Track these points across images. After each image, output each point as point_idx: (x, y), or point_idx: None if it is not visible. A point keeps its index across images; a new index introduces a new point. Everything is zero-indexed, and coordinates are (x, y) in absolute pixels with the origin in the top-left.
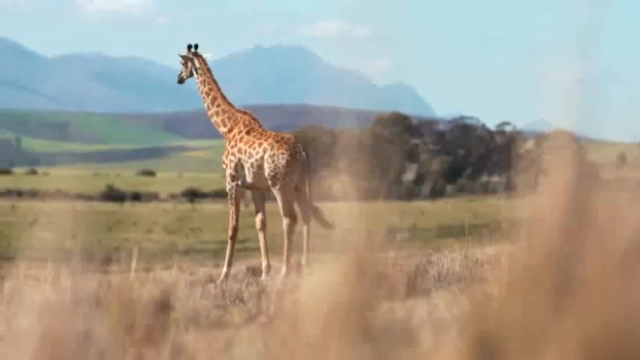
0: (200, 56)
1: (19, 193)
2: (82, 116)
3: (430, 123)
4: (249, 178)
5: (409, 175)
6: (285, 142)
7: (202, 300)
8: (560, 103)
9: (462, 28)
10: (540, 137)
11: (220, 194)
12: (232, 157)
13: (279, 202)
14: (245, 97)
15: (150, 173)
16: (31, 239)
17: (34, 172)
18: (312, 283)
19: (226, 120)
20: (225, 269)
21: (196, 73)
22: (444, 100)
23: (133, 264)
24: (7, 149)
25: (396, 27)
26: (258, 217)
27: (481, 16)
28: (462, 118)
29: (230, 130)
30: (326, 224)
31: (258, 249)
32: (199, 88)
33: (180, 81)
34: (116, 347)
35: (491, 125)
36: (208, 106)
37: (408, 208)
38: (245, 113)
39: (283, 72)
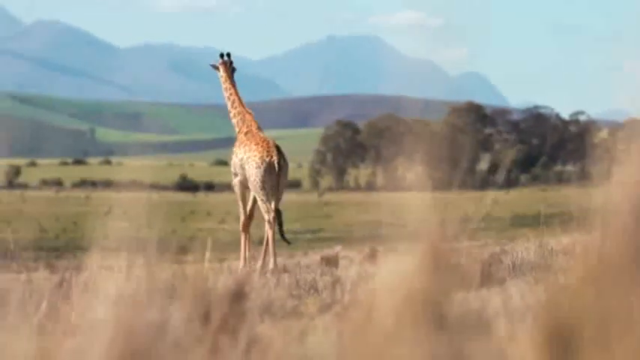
0: (224, 63)
1: (94, 184)
2: (155, 107)
3: (504, 112)
4: (243, 177)
5: (483, 165)
6: (261, 146)
7: (277, 290)
8: (635, 92)
9: (535, 16)
10: (614, 126)
11: (294, 184)
12: (234, 157)
13: (260, 206)
14: (318, 87)
15: (223, 163)
16: (106, 229)
17: (108, 163)
18: (386, 272)
19: (239, 121)
20: (241, 264)
21: (221, 80)
22: (518, 89)
23: (207, 254)
24: (81, 140)
25: (469, 16)
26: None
27: (554, 3)
28: (536, 107)
29: (239, 131)
30: (280, 230)
31: (331, 239)
32: (224, 93)
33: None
34: (191, 337)
35: (565, 114)
36: (229, 109)
37: (481, 198)
38: (250, 114)
39: (356, 62)
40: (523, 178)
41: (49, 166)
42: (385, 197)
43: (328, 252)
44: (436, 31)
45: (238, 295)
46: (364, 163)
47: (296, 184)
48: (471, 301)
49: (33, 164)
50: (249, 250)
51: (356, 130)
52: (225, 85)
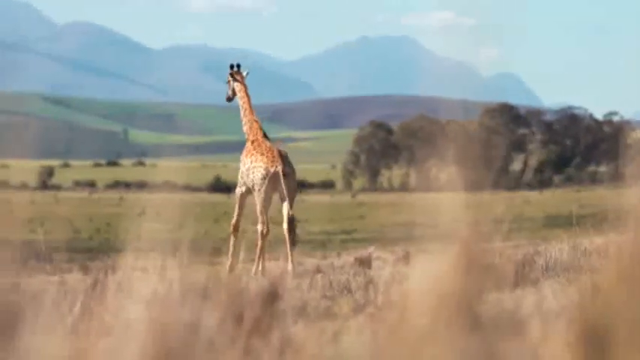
0: (239, 74)
1: (127, 185)
2: (188, 108)
3: (537, 113)
4: (249, 186)
5: (516, 165)
6: (267, 155)
7: (310, 291)
8: None
9: (569, 15)
10: None
11: (327, 185)
12: (241, 165)
13: (257, 209)
14: (352, 88)
15: None
16: (139, 231)
17: (141, 164)
18: (419, 273)
19: (248, 130)
20: (229, 262)
21: (236, 89)
22: (551, 90)
23: (241, 255)
24: (114, 141)
25: (503, 16)
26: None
27: (588, 3)
28: (570, 107)
29: (247, 140)
30: (292, 238)
31: (365, 239)
32: (239, 102)
33: (228, 99)
34: (224, 338)
35: (599, 115)
36: (242, 118)
37: (515, 198)
38: (256, 122)
39: (390, 62)
40: (556, 178)
41: (82, 168)
42: (418, 198)
43: (362, 253)
44: (470, 31)
45: (272, 297)
46: (397, 164)
47: (329, 185)
48: (504, 302)
49: (66, 165)
50: (235, 249)
51: (389, 131)
52: (240, 94)
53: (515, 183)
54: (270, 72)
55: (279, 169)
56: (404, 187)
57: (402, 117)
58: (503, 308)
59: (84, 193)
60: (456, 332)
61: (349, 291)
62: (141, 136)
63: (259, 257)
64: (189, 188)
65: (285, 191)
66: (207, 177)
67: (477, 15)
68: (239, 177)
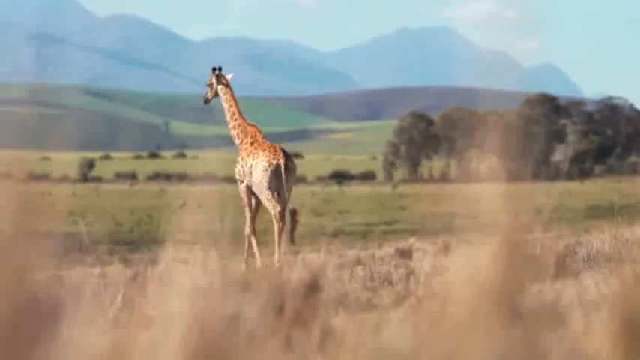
0: (223, 76)
1: (168, 177)
2: None
3: (578, 103)
4: (250, 184)
5: (557, 156)
6: (270, 153)
7: (351, 282)
8: None
9: (609, 5)
10: None
11: (368, 176)
12: (238, 166)
13: (266, 205)
14: (391, 79)
15: (296, 156)
16: (180, 222)
17: (182, 156)
18: (460, 264)
19: (239, 133)
20: (258, 262)
21: (219, 90)
22: (592, 80)
23: (282, 246)
24: (155, 133)
25: (543, 7)
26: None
27: None
28: (610, 98)
29: (241, 142)
30: (292, 230)
31: (405, 230)
32: (223, 105)
33: (206, 101)
34: (265, 330)
35: None
36: (228, 121)
37: (555, 189)
38: (253, 126)
39: (430, 54)
40: (597, 169)
41: (123, 160)
42: (459, 189)
43: (402, 244)
44: (510, 22)
45: (313, 288)
46: (438, 154)
47: (370, 176)
48: (545, 293)
49: (107, 158)
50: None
51: (430, 122)
52: (225, 96)
53: (556, 173)
54: (310, 63)
55: (282, 162)
56: (444, 178)
57: (442, 108)
58: (544, 299)
59: (125, 185)
60: (496, 324)
61: (390, 282)
62: (181, 127)
63: (278, 244)
64: (229, 180)
65: (284, 185)
66: None
67: (517, 6)
68: (238, 176)
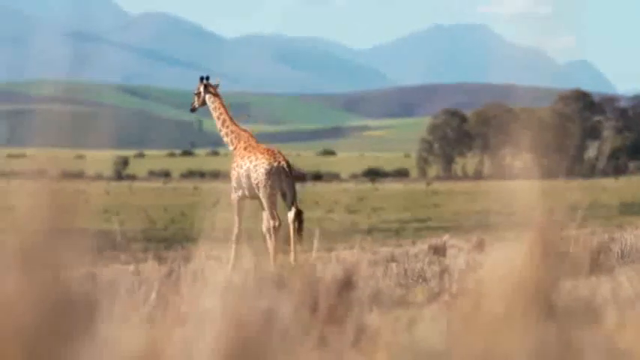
0: (211, 85)
1: (201, 175)
2: (261, 97)
3: (612, 100)
4: (247, 188)
5: (591, 153)
6: (267, 154)
7: (385, 279)
8: None
9: None
10: None
11: (401, 173)
12: (233, 171)
13: (265, 206)
14: (424, 76)
15: (330, 153)
16: (214, 220)
17: (215, 154)
18: (494, 261)
19: (233, 139)
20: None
21: (207, 100)
22: (625, 77)
23: (315, 244)
24: (188, 131)
25: (577, 3)
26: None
27: None
28: None
29: (235, 148)
30: (299, 230)
31: (439, 227)
32: (212, 113)
33: (193, 110)
34: (299, 327)
35: None
36: (220, 128)
37: (589, 186)
38: (245, 131)
39: (464, 50)
40: (631, 165)
41: (156, 158)
42: (493, 186)
43: (436, 241)
44: (544, 18)
45: (346, 285)
46: (471, 151)
47: (404, 173)
48: (580, 289)
49: (141, 155)
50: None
51: (463, 119)
52: (214, 105)
53: (590, 170)
54: (343, 61)
55: (283, 164)
56: (478, 175)
57: (475, 105)
58: (579, 296)
59: (158, 183)
60: (531, 320)
61: (424, 279)
62: (215, 125)
63: (274, 253)
64: None
65: (288, 188)
66: None
67: (551, 2)
68: (233, 182)
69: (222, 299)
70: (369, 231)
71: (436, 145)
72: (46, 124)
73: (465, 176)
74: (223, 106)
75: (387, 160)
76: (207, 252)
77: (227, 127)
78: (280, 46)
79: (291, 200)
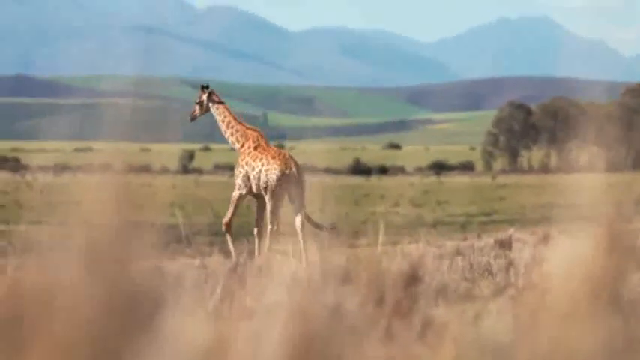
0: (214, 94)
1: None
2: (327, 90)
3: None
4: (254, 188)
5: None
6: (279, 160)
7: (450, 273)
8: None
9: None
10: None
11: (467, 166)
12: (241, 169)
13: (268, 209)
14: (490, 69)
15: (396, 146)
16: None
17: (280, 147)
18: (560, 255)
19: (239, 137)
20: (233, 259)
21: (212, 107)
22: None
23: (381, 237)
24: (254, 124)
25: None
26: (256, 224)
27: None
28: None
29: (242, 146)
30: (318, 226)
31: (505, 221)
32: (217, 119)
33: (193, 118)
34: (366, 321)
35: None
36: (224, 131)
37: None
38: (254, 130)
39: (529, 43)
40: None
41: (222, 151)
42: (559, 179)
43: (502, 234)
44: (610, 11)
45: (412, 279)
46: (537, 145)
47: (469, 167)
48: None
49: (207, 149)
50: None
51: (529, 112)
52: (218, 110)
53: None
54: (408, 54)
55: (294, 170)
56: (544, 168)
57: (541, 98)
58: None
59: (224, 177)
60: (597, 315)
61: (490, 273)
62: (280, 119)
63: (259, 251)
64: (329, 171)
65: (297, 194)
66: (347, 159)
67: None
68: (239, 181)
69: (288, 293)
70: (435, 225)
71: (502, 139)
72: (114, 118)
73: (531, 169)
74: (228, 110)
75: (453, 154)
76: (272, 245)
77: (231, 127)
78: (345, 39)
79: (299, 207)
